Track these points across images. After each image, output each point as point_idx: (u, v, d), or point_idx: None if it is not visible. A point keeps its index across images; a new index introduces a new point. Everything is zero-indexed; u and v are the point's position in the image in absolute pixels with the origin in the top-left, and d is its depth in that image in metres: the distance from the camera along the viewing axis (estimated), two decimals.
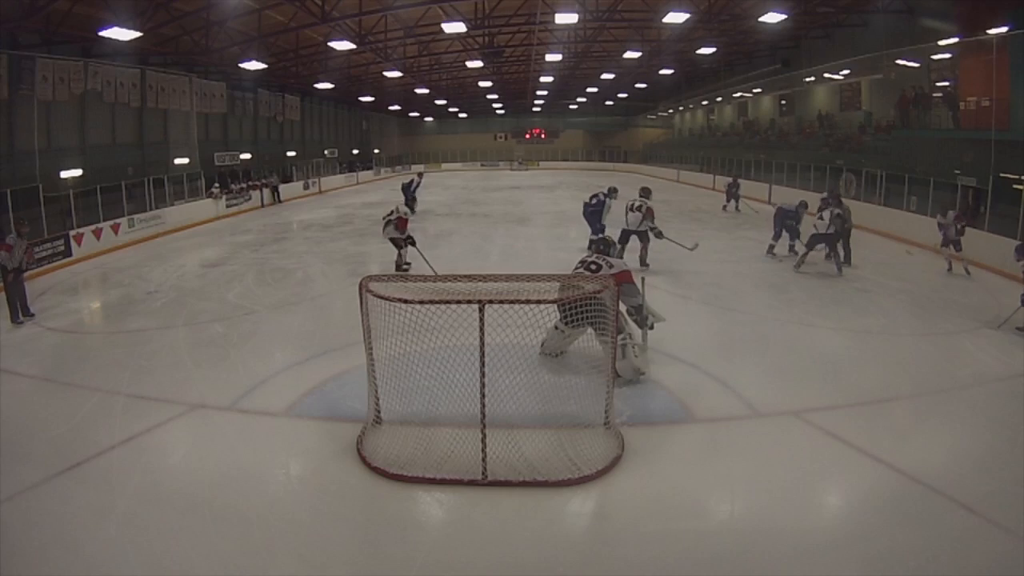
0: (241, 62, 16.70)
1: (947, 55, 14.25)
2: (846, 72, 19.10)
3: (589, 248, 9.77)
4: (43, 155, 14.00)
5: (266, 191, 22.22)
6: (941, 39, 14.10)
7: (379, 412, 4.49)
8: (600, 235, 9.21)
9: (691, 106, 34.12)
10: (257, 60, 16.43)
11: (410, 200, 17.57)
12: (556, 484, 3.85)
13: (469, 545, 3.39)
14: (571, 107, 41.14)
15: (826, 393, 5.17)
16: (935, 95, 14.84)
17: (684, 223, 15.03)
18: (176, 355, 6.41)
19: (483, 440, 3.92)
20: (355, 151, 36.43)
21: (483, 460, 3.91)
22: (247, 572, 3.19)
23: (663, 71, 26.37)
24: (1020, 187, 10.57)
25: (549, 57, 21.66)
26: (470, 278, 4.30)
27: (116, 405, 5.16)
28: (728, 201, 17.52)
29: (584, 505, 3.76)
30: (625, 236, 9.77)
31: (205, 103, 20.47)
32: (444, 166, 42.10)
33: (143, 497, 3.80)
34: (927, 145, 14.80)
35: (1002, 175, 11.14)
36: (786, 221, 10.98)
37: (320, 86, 24.47)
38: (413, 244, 9.86)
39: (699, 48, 19.71)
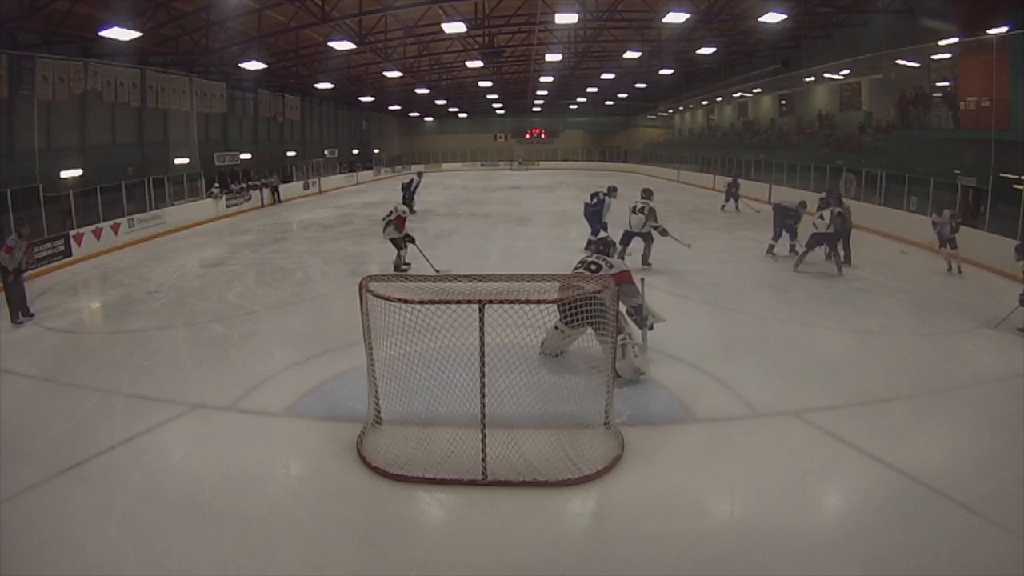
0: (241, 62, 16.70)
1: (947, 55, 14.25)
2: (846, 72, 19.09)
3: (587, 249, 9.80)
4: (43, 155, 14.00)
5: (266, 191, 22.21)
6: (941, 39, 14.11)
7: (379, 412, 4.49)
8: (600, 235, 9.22)
9: (691, 106, 34.10)
10: (257, 60, 16.43)
11: (409, 200, 17.56)
12: (556, 484, 3.85)
13: (469, 545, 3.40)
14: (571, 107, 41.12)
15: (826, 393, 5.17)
16: (935, 95, 14.85)
17: (684, 223, 15.00)
18: (176, 355, 6.42)
19: (483, 440, 3.92)
20: (355, 151, 36.41)
21: (483, 460, 3.91)
22: (247, 572, 3.19)
23: (663, 71, 26.36)
24: (1020, 187, 10.57)
25: (549, 57, 21.65)
26: (470, 278, 4.31)
27: (116, 405, 5.16)
28: (727, 201, 17.50)
29: (584, 505, 3.76)
30: (627, 238, 9.79)
31: (205, 103, 20.47)
32: (444, 166, 42.07)
33: (143, 497, 3.81)
34: (927, 145, 14.81)
35: (1002, 175, 11.14)
36: (785, 220, 10.95)
37: (320, 86, 24.47)
38: (413, 242, 9.87)
39: (699, 48, 19.70)
